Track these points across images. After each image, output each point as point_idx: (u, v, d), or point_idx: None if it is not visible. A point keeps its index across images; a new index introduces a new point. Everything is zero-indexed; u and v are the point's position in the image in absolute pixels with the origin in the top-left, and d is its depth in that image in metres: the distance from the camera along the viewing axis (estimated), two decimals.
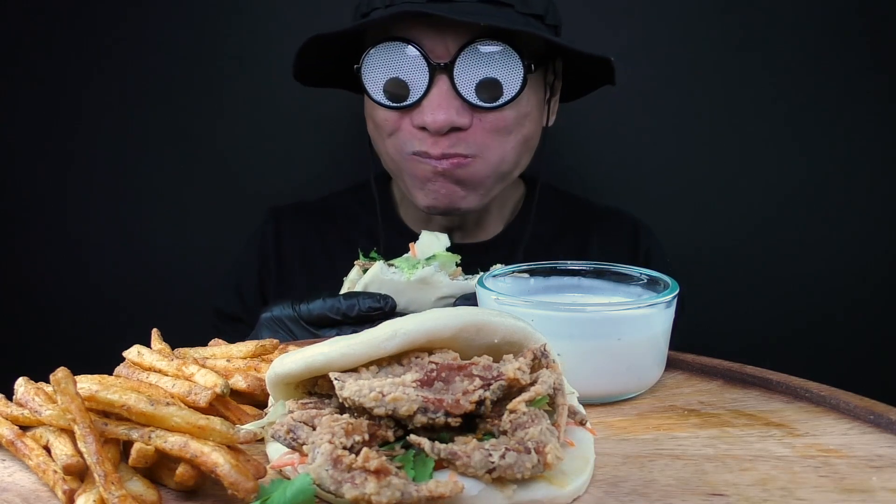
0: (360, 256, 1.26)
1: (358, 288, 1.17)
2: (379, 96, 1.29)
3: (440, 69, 1.24)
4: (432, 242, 1.23)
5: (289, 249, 1.57)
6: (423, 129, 1.28)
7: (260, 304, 1.55)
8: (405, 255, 1.22)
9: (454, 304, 1.17)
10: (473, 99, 1.26)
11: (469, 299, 1.16)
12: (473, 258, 1.30)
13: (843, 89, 1.82)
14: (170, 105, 1.84)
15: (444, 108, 1.25)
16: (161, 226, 1.88)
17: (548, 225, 1.52)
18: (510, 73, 1.26)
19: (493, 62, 1.24)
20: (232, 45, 1.82)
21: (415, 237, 1.41)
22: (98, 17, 1.80)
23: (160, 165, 1.86)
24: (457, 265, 1.21)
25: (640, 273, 1.01)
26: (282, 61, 1.80)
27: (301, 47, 1.31)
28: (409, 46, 1.24)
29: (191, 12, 1.81)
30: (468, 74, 1.24)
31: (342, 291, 1.23)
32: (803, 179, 1.86)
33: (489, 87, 1.26)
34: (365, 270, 1.21)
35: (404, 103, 1.27)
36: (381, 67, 1.26)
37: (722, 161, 1.86)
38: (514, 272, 1.05)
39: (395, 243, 1.42)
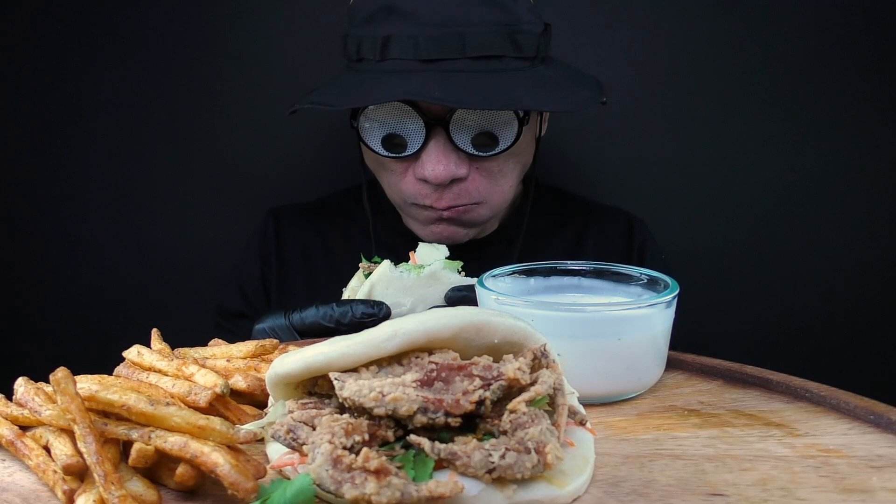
0: (363, 259, 1.26)
1: (364, 288, 1.16)
2: (377, 148, 1.30)
3: (436, 123, 1.26)
4: (431, 253, 1.23)
5: (289, 248, 1.58)
6: (425, 180, 1.30)
7: (263, 301, 1.56)
8: (406, 263, 1.22)
9: (447, 295, 1.17)
10: (470, 150, 1.28)
11: (463, 290, 1.16)
12: (470, 254, 1.32)
13: (842, 88, 1.82)
14: (169, 105, 1.84)
15: (442, 161, 1.26)
16: (161, 225, 1.88)
17: (543, 221, 1.53)
18: (504, 126, 1.27)
19: (488, 117, 1.25)
20: (231, 44, 1.82)
21: (413, 237, 1.42)
22: (98, 18, 1.80)
23: (160, 165, 1.86)
24: (459, 271, 1.20)
25: (640, 273, 1.01)
26: (282, 61, 1.81)
27: (296, 110, 1.31)
28: (405, 106, 1.25)
29: (191, 12, 1.81)
30: (463, 128, 1.26)
31: (345, 295, 1.23)
32: (803, 178, 1.86)
33: (485, 140, 1.28)
34: (367, 274, 1.20)
35: (403, 154, 1.29)
36: (378, 122, 1.28)
37: (721, 160, 1.86)
38: (514, 272, 1.05)
39: (393, 242, 1.43)
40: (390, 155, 1.30)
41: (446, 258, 1.22)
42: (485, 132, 1.27)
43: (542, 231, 1.53)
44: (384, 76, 1.25)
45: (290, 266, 1.57)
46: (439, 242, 1.36)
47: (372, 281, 1.15)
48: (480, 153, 1.28)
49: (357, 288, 1.21)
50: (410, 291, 1.15)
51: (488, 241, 1.51)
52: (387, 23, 1.25)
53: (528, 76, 1.28)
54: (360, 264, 1.25)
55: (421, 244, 1.26)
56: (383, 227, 1.49)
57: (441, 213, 1.33)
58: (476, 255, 1.28)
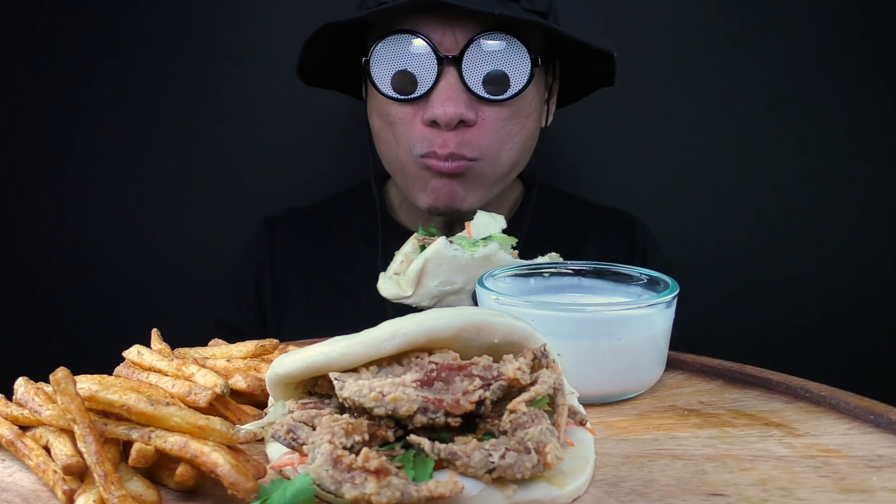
0: (419, 231, 1.24)
1: (417, 262, 1.13)
2: (387, 89, 1.29)
3: (448, 62, 1.25)
4: (489, 223, 1.20)
5: (284, 260, 1.56)
6: (433, 122, 1.28)
7: (259, 314, 1.55)
8: (461, 234, 1.20)
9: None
10: (481, 91, 1.27)
11: None
12: None
13: (843, 88, 1.82)
14: (169, 105, 1.84)
15: (453, 100, 1.25)
16: (161, 225, 1.88)
17: (545, 222, 1.53)
18: (517, 67, 1.26)
19: (501, 55, 1.24)
20: (231, 45, 1.82)
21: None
22: (100, 22, 1.80)
23: (160, 165, 1.86)
24: (513, 248, 1.19)
25: (640, 273, 1.01)
26: (283, 61, 1.81)
27: (311, 36, 1.31)
28: (418, 38, 1.24)
29: (192, 16, 1.81)
30: (476, 67, 1.25)
31: (395, 264, 1.21)
32: (803, 178, 1.86)
33: (497, 81, 1.26)
34: (423, 246, 1.18)
35: (412, 95, 1.28)
36: (389, 60, 1.27)
37: (720, 160, 1.86)
38: (514, 272, 1.05)
39: (392, 245, 1.42)
40: (399, 97, 1.29)
41: (502, 231, 1.20)
42: (497, 71, 1.26)
43: (544, 234, 1.53)
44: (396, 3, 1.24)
45: (286, 277, 1.55)
46: (437, 206, 1.34)
47: (426, 256, 1.12)
48: (492, 96, 1.27)
49: (410, 255, 1.19)
50: (463, 271, 1.13)
51: None
52: None
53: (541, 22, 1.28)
54: (415, 234, 1.23)
55: (478, 213, 1.22)
56: (382, 229, 1.48)
57: (441, 165, 1.30)
58: None
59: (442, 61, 1.24)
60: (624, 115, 1.82)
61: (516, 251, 1.17)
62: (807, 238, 1.87)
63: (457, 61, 1.24)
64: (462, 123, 1.28)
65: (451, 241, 1.14)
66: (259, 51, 1.82)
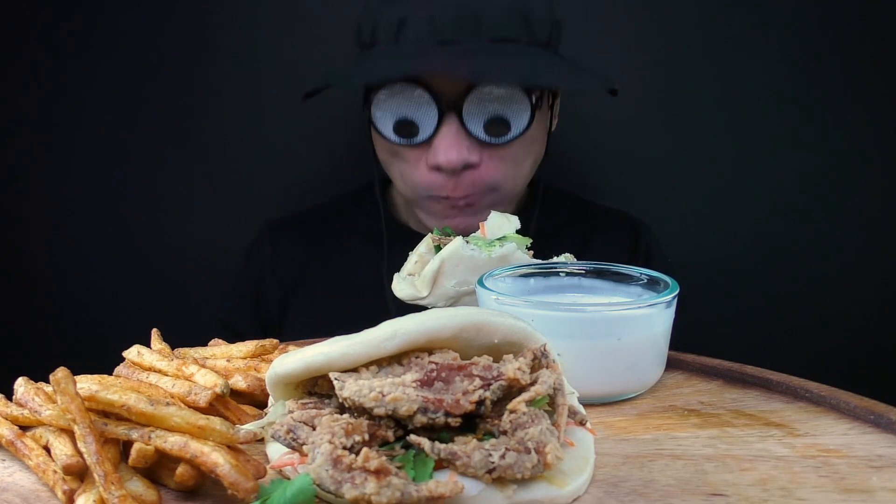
0: (434, 231, 1.25)
1: (434, 263, 1.13)
2: (389, 134, 1.30)
3: (449, 109, 1.26)
4: (503, 224, 1.20)
5: (286, 267, 1.56)
6: (438, 168, 1.29)
7: (260, 321, 1.55)
8: (475, 234, 1.20)
9: None
10: (482, 136, 1.27)
11: None
12: None
13: (844, 88, 1.82)
14: (169, 105, 1.84)
15: (455, 147, 1.26)
16: (160, 224, 1.88)
17: (549, 223, 1.53)
18: (517, 112, 1.27)
19: (501, 101, 1.25)
20: (232, 45, 1.82)
21: (417, 240, 1.41)
22: (99, 18, 1.80)
23: (159, 164, 1.86)
24: (527, 248, 1.19)
25: (640, 273, 1.01)
26: (284, 61, 1.81)
27: (311, 92, 1.32)
28: (419, 89, 1.24)
29: (195, 18, 1.81)
30: (476, 113, 1.26)
31: (409, 265, 1.20)
32: (803, 179, 1.86)
33: (497, 125, 1.27)
34: (438, 246, 1.18)
35: (415, 140, 1.29)
36: (391, 108, 1.28)
37: (720, 161, 1.86)
38: (514, 272, 1.05)
39: (396, 246, 1.42)
40: (402, 142, 1.29)
41: (516, 231, 1.21)
42: (498, 118, 1.26)
43: (548, 234, 1.53)
44: (399, 56, 1.24)
45: (289, 280, 1.55)
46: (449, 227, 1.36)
47: (443, 256, 1.12)
48: (493, 140, 1.28)
49: (425, 255, 1.19)
50: (480, 271, 1.12)
51: None
52: (402, 5, 1.25)
53: (541, 57, 1.28)
54: (429, 234, 1.23)
55: (492, 214, 1.22)
56: (387, 232, 1.49)
57: (457, 202, 1.33)
58: None
59: (443, 110, 1.25)
60: (626, 116, 1.82)
61: (531, 251, 1.18)
62: (807, 238, 1.87)
63: (457, 108, 1.25)
64: (468, 166, 1.29)
65: (467, 242, 1.14)
66: (259, 50, 1.82)
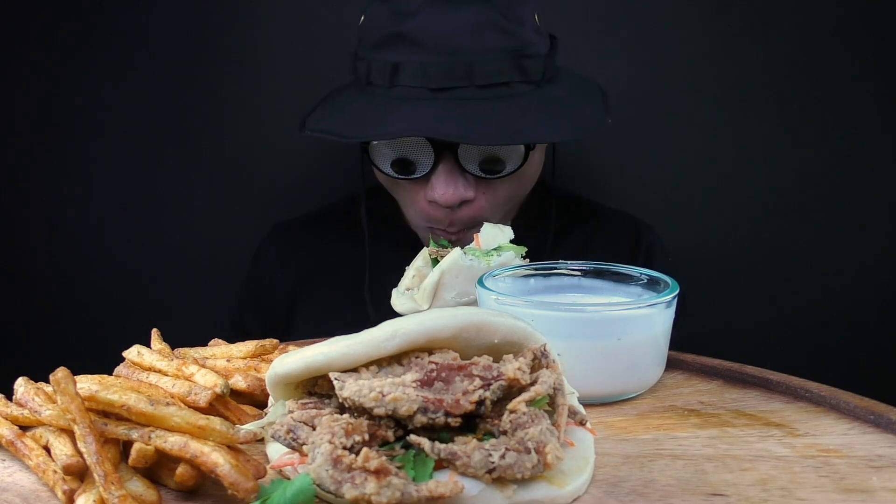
0: (431, 243, 1.25)
1: (434, 274, 1.13)
2: (387, 170, 1.34)
3: (444, 149, 1.28)
4: (496, 234, 1.21)
5: (293, 268, 1.57)
6: (435, 202, 1.33)
7: (270, 322, 1.56)
8: (470, 245, 1.21)
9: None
10: (478, 173, 1.31)
11: None
12: None
13: (844, 88, 1.82)
14: (170, 105, 1.84)
15: (451, 184, 1.29)
16: (161, 225, 1.88)
17: (551, 224, 1.53)
18: (511, 153, 1.30)
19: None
20: (235, 45, 1.82)
21: (416, 242, 1.42)
22: (99, 18, 1.80)
23: (160, 164, 1.86)
24: (523, 256, 1.20)
25: (640, 273, 1.01)
26: (285, 60, 1.81)
27: (305, 131, 1.35)
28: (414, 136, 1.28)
29: (197, 18, 1.81)
30: (471, 153, 1.29)
31: (406, 279, 1.21)
32: (802, 179, 1.85)
33: (492, 162, 1.31)
34: (435, 259, 1.19)
35: (413, 176, 1.32)
36: (388, 148, 1.31)
37: (722, 161, 1.86)
38: (514, 272, 1.05)
39: (402, 248, 1.42)
40: (401, 177, 1.33)
41: (510, 241, 1.21)
42: (492, 157, 1.30)
43: (550, 236, 1.54)
44: (394, 104, 1.27)
45: (296, 284, 1.56)
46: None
47: (442, 268, 1.12)
48: (488, 176, 1.31)
49: (422, 269, 1.20)
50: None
51: None
52: (395, 49, 1.27)
53: (534, 100, 1.30)
54: (426, 248, 1.24)
55: (486, 224, 1.24)
56: (387, 230, 1.50)
57: (449, 237, 1.37)
58: None
59: (439, 150, 1.28)
60: (625, 116, 1.81)
61: (527, 259, 1.18)
62: (807, 238, 1.87)
63: (452, 148, 1.28)
64: (464, 201, 1.32)
65: (465, 253, 1.15)
66: (261, 50, 1.82)
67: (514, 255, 1.15)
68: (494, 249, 1.17)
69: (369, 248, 1.47)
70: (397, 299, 1.17)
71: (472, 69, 1.24)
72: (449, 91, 1.25)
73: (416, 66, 1.25)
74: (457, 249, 1.14)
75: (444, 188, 1.29)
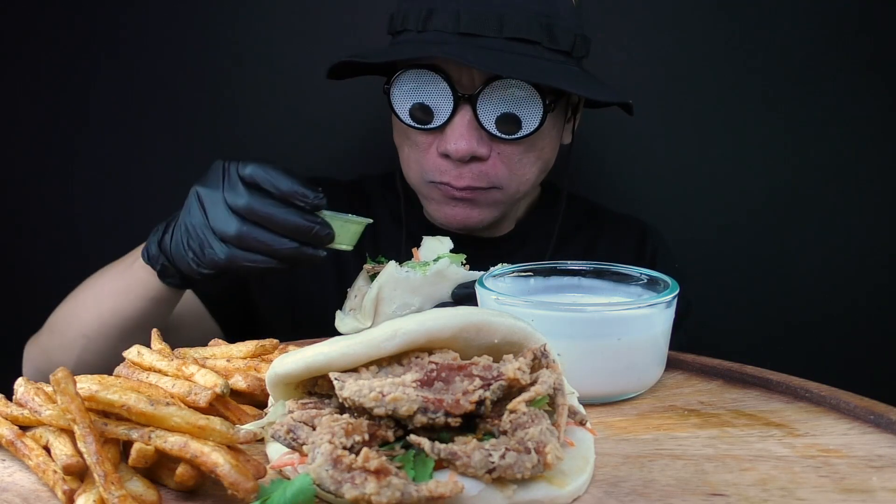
0: (368, 261, 1.26)
1: (372, 291, 1.15)
2: (405, 117, 1.34)
3: (464, 100, 1.29)
4: (436, 247, 1.23)
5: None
6: (446, 155, 1.33)
7: (284, 286, 1.56)
8: (410, 261, 1.22)
9: (453, 293, 1.17)
10: (493, 130, 1.30)
11: (469, 286, 1.16)
12: (481, 253, 1.32)
13: (843, 88, 1.82)
14: (172, 104, 1.84)
15: (466, 137, 1.30)
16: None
17: (557, 226, 1.54)
18: (530, 112, 1.30)
19: (515, 99, 1.28)
20: (235, 42, 1.82)
21: (432, 225, 1.44)
22: (99, 18, 1.80)
23: (161, 164, 1.86)
24: (462, 263, 1.21)
25: (640, 273, 1.01)
26: (285, 60, 1.81)
27: (333, 67, 1.37)
28: (438, 76, 1.28)
29: (198, 17, 1.81)
30: (490, 107, 1.29)
31: (350, 301, 1.22)
32: (802, 179, 1.85)
33: (509, 121, 1.30)
34: (372, 276, 1.20)
35: (428, 126, 1.32)
36: (409, 91, 1.32)
37: (721, 161, 1.86)
38: (514, 272, 1.05)
39: (418, 232, 1.42)
40: (416, 126, 1.33)
41: (450, 251, 1.22)
42: (510, 114, 1.29)
43: (555, 237, 1.54)
44: (423, 44, 1.30)
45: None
46: (453, 226, 1.39)
47: (380, 283, 1.14)
48: (503, 135, 1.31)
49: (363, 288, 1.21)
50: (418, 291, 1.15)
51: (500, 242, 1.53)
52: None
53: (560, 67, 1.31)
54: (364, 265, 1.24)
55: (426, 238, 1.26)
56: (408, 211, 1.51)
57: (455, 192, 1.35)
58: (486, 256, 1.29)
59: (458, 99, 1.29)
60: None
61: (466, 265, 1.20)
62: (807, 238, 1.87)
63: (472, 100, 1.28)
64: (475, 158, 1.32)
65: (401, 265, 1.16)
66: (261, 50, 1.82)
67: (449, 262, 1.16)
68: (435, 260, 1.18)
69: (403, 210, 1.49)
70: (340, 321, 1.18)
71: (502, 21, 1.27)
72: (478, 38, 1.28)
73: (450, 12, 1.29)
74: (392, 263, 1.16)
75: (458, 140, 1.30)
